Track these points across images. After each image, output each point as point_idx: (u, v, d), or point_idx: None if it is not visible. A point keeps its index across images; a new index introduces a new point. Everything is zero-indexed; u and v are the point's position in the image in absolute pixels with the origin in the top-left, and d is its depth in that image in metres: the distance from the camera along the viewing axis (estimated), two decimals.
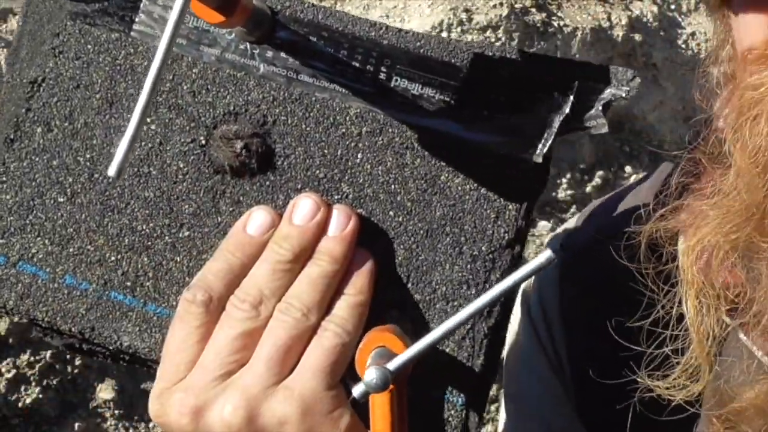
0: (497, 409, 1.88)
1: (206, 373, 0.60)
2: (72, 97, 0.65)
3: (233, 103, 0.64)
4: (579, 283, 0.78)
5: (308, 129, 0.64)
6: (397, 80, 0.63)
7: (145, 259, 0.64)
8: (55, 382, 1.79)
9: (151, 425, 1.90)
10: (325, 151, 0.64)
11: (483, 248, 0.63)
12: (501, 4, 2.12)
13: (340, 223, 0.62)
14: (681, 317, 0.60)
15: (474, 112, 0.63)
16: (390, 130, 0.63)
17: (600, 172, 2.12)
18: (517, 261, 0.64)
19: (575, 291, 0.79)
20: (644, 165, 2.16)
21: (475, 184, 0.63)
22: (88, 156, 0.65)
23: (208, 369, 0.60)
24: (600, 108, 0.61)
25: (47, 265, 0.65)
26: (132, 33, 0.65)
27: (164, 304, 0.65)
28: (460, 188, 0.63)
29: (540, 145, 0.62)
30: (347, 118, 0.64)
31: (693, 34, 2.24)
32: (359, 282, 0.62)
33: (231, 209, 0.64)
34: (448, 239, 0.63)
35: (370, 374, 0.57)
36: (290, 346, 0.60)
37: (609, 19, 2.13)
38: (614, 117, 2.08)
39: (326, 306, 0.62)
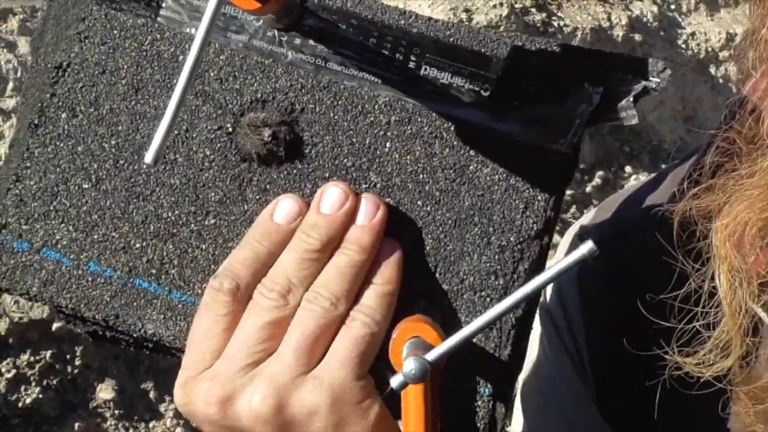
0: None
1: (233, 363, 0.60)
2: (97, 83, 0.64)
3: (261, 90, 0.63)
4: (600, 279, 0.78)
5: (336, 117, 0.63)
6: (426, 69, 0.63)
7: (171, 246, 0.64)
8: (55, 382, 1.78)
9: (151, 425, 1.89)
10: (354, 139, 0.63)
11: (511, 239, 0.63)
12: (501, 4, 2.12)
13: (369, 213, 0.62)
14: (712, 294, 0.60)
15: (504, 103, 0.62)
16: (419, 119, 0.63)
17: (600, 172, 2.12)
18: (546, 252, 0.64)
19: (596, 288, 0.78)
20: (644, 165, 2.16)
21: (504, 175, 0.63)
22: (113, 142, 0.64)
23: (235, 358, 0.60)
24: (631, 99, 0.61)
25: (71, 251, 0.64)
26: (158, 18, 0.64)
27: (189, 292, 0.64)
28: (488, 178, 0.63)
29: (569, 136, 0.62)
30: (376, 106, 0.63)
31: (693, 34, 2.24)
32: (387, 272, 0.62)
33: (258, 197, 0.64)
34: (476, 229, 0.63)
35: (409, 365, 0.56)
36: (318, 335, 0.60)
37: (609, 19, 2.13)
38: None
39: (354, 295, 0.61)
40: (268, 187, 0.64)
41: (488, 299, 0.63)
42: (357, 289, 0.61)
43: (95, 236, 0.64)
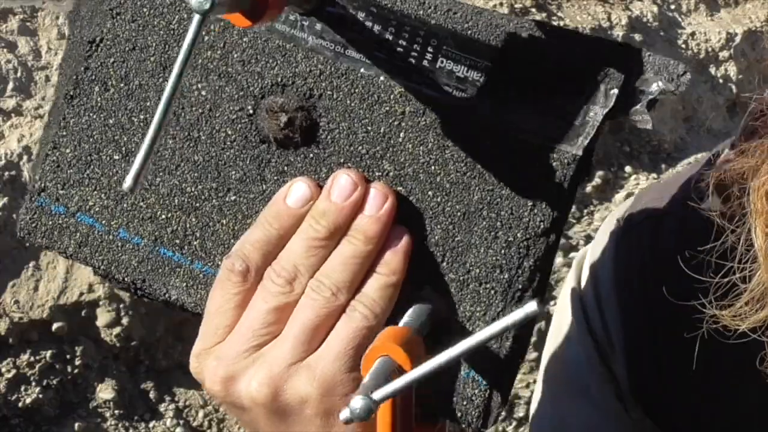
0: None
1: (239, 344, 0.63)
2: (128, 59, 0.66)
3: (281, 74, 0.65)
4: (635, 258, 0.79)
5: (353, 105, 0.64)
6: (443, 61, 0.63)
7: (193, 219, 0.66)
8: (55, 382, 1.78)
9: (151, 425, 1.89)
10: (369, 128, 0.64)
11: (518, 235, 0.64)
12: (501, 4, 2.12)
13: (377, 204, 0.63)
14: (748, 251, 0.61)
15: (518, 99, 0.63)
16: (433, 111, 0.64)
17: (600, 172, 2.12)
18: (552, 250, 0.64)
19: (631, 266, 0.80)
20: (644, 165, 2.17)
21: (515, 172, 0.63)
22: (141, 117, 0.66)
23: (240, 340, 0.63)
24: (645, 104, 0.61)
25: (103, 217, 0.67)
26: None
27: (210, 263, 0.67)
28: (499, 174, 0.63)
29: (581, 138, 0.62)
30: (392, 96, 0.64)
31: (693, 34, 2.25)
32: (393, 261, 0.63)
33: (276, 178, 0.65)
34: (484, 223, 0.64)
35: (356, 403, 0.55)
36: (318, 325, 0.62)
37: (609, 19, 2.14)
38: None
39: (357, 285, 0.63)
40: (285, 168, 0.65)
41: (492, 291, 0.64)
42: (360, 278, 0.63)
43: (125, 205, 0.67)
